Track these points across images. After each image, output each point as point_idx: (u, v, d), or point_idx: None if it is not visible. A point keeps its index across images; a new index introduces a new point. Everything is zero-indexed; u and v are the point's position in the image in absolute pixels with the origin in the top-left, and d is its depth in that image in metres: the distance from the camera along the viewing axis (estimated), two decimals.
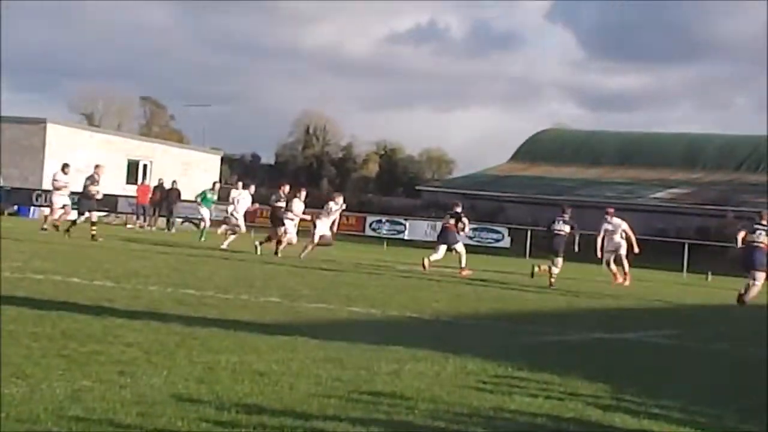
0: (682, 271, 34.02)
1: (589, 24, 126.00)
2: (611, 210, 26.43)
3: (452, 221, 24.48)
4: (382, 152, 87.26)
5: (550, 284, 20.73)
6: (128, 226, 40.33)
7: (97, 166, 26.93)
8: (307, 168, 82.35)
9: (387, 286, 17.20)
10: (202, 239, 29.78)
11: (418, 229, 42.20)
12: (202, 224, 32.37)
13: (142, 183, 44.58)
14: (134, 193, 42.30)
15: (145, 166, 49.29)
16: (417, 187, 66.49)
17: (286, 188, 26.02)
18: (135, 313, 9.91)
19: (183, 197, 40.61)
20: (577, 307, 16.30)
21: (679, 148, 62.17)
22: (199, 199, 33.17)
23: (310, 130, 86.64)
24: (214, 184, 34.59)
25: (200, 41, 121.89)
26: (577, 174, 60.84)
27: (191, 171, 50.93)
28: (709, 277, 31.78)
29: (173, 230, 38.36)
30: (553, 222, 22.20)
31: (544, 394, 7.00)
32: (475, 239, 41.11)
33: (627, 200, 51.47)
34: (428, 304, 13.99)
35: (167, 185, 40.98)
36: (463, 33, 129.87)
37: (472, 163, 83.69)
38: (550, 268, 21.46)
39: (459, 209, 25.06)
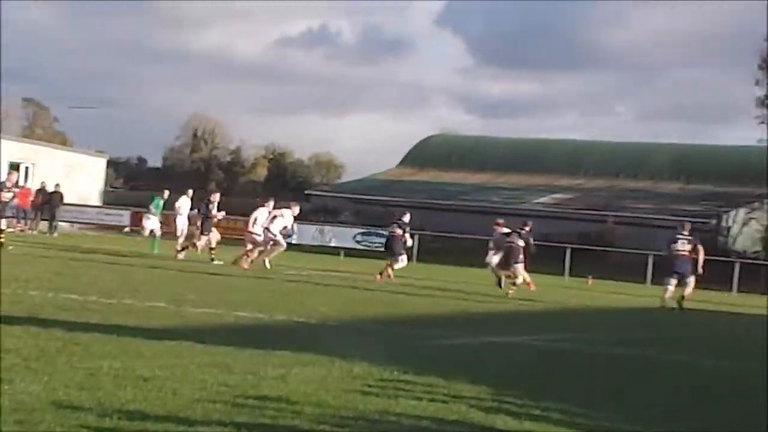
0: (563, 274, 34.70)
1: (478, 31, 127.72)
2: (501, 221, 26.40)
3: (399, 231, 24.79)
4: (271, 156, 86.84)
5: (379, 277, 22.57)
6: (9, 229, 39.25)
7: (10, 172, 26.28)
8: (194, 172, 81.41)
9: (275, 290, 17.13)
10: (155, 251, 28.78)
11: (307, 233, 42.14)
12: (153, 233, 30.74)
13: (24, 186, 43.48)
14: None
15: (27, 168, 48.07)
16: (306, 192, 66.40)
17: (216, 196, 25.91)
18: (14, 318, 9.66)
19: (66, 200, 39.71)
20: (464, 311, 16.49)
21: (563, 154, 63.45)
22: (152, 207, 31.30)
23: (198, 134, 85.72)
24: (164, 189, 32.31)
25: (85, 42, 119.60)
26: (464, 179, 61.55)
27: (75, 174, 49.85)
28: (590, 280, 32.52)
29: (55, 234, 37.51)
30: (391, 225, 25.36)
31: (429, 396, 7.06)
32: (363, 243, 41.30)
33: (512, 205, 52.31)
34: (316, 309, 13.98)
35: (50, 188, 40.04)
36: (355, 38, 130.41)
37: (361, 168, 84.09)
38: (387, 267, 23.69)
39: (407, 219, 25.48)
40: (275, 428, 5.69)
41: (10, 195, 24.97)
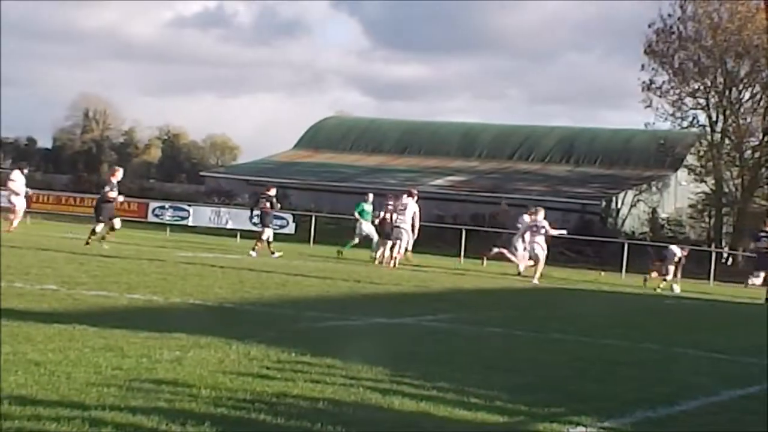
0: (459, 256, 35.08)
1: (374, 15, 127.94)
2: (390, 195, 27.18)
3: (268, 204, 26.77)
4: (165, 137, 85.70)
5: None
6: None
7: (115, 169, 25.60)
8: (86, 152, 79.87)
9: (169, 273, 16.95)
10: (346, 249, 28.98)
11: (202, 215, 41.76)
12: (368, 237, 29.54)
13: None
14: None
15: None
16: (201, 173, 65.70)
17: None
18: None
19: None
20: (359, 293, 16.56)
21: (456, 137, 64.01)
22: (356, 213, 30.15)
23: (90, 114, 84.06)
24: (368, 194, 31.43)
25: None
26: (359, 161, 61.67)
27: None
28: (484, 262, 32.92)
29: None
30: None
31: (326, 379, 7.10)
32: (259, 225, 41.04)
33: (407, 187, 52.56)
34: (211, 291, 13.89)
35: None
36: (250, 19, 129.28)
37: (257, 149, 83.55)
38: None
39: (272, 192, 26.34)
40: (171, 412, 5.65)
41: (114, 194, 24.17)
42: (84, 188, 48.84)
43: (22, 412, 5.34)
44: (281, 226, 41.07)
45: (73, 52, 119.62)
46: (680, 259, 26.24)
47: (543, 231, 24.66)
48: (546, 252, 24.66)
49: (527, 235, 25.06)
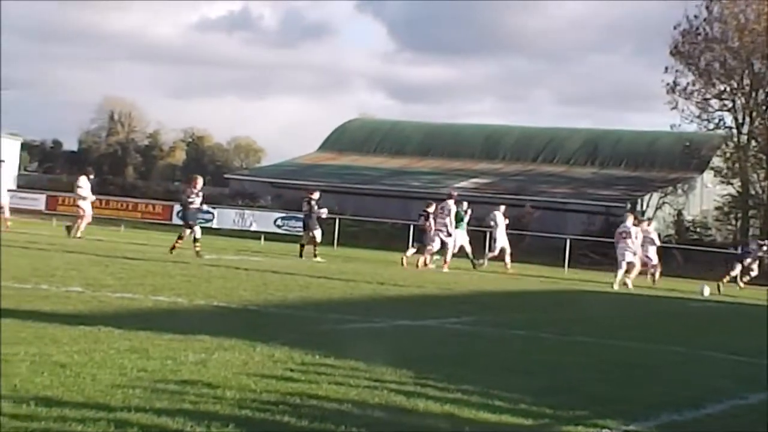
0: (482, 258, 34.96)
1: (398, 16, 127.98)
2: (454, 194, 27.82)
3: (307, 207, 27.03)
4: (190, 140, 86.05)
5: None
6: None
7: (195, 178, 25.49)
8: (111, 155, 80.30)
9: (194, 275, 17.00)
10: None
11: (227, 217, 41.92)
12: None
13: None
14: None
15: None
16: (225, 176, 65.91)
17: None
18: None
19: None
20: (382, 295, 16.56)
21: (480, 139, 63.90)
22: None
23: (115, 117, 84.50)
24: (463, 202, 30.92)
25: None
26: (382, 164, 61.69)
27: None
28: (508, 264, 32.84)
29: None
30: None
31: (350, 381, 7.10)
32: (284, 228, 41.18)
33: (431, 189, 52.59)
34: (235, 293, 13.92)
35: None
36: (276, 22, 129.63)
37: (281, 152, 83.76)
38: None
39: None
40: (195, 413, 5.67)
41: (199, 200, 24.03)
42: (109, 191, 49.07)
43: (49, 414, 5.37)
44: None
45: (99, 55, 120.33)
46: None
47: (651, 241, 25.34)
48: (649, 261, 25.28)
49: (634, 243, 25.25)
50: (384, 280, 19.93)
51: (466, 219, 29.21)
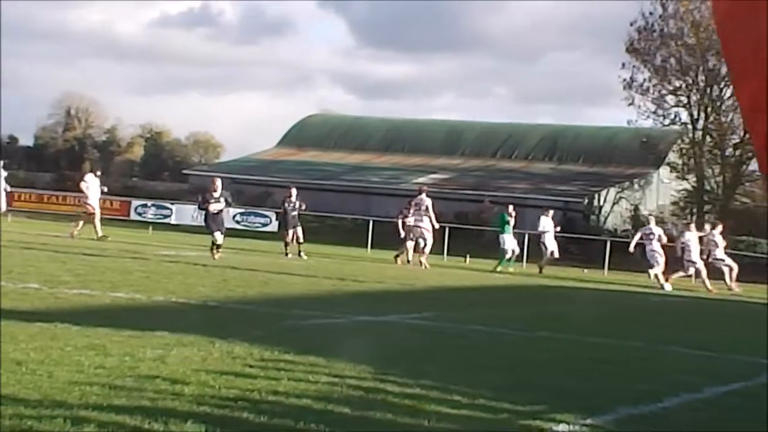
0: (442, 254, 35.09)
1: (360, 14, 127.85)
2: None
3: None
4: (148, 135, 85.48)
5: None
6: None
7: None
8: (68, 151, 79.57)
9: (153, 271, 16.90)
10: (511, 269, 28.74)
11: (185, 213, 41.69)
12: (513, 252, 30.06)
13: None
14: None
15: None
16: (183, 171, 65.53)
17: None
18: None
19: None
20: (343, 291, 16.56)
21: (440, 134, 64.00)
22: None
23: (72, 112, 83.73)
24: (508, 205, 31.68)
25: None
26: (343, 159, 61.61)
27: None
28: (467, 259, 32.99)
29: None
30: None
31: (310, 377, 7.09)
32: (242, 224, 41.04)
33: (391, 185, 52.64)
34: (195, 289, 13.86)
35: None
36: (236, 18, 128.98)
37: (241, 147, 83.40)
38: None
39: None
40: (154, 410, 5.63)
41: (221, 206, 23.05)
42: (66, 187, 48.60)
43: (4, 412, 5.31)
44: (263, 224, 41.13)
45: (58, 51, 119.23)
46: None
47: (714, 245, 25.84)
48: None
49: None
50: (345, 275, 19.94)
51: (512, 222, 29.53)
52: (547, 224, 30.18)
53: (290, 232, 26.87)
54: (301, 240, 26.76)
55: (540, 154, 59.73)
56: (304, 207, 27.48)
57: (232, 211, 42.81)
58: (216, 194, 23.00)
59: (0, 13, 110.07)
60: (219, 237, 22.48)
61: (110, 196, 33.15)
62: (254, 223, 40.69)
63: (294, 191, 27.68)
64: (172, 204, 42.82)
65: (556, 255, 29.85)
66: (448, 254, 34.56)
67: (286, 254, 26.19)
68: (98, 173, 29.82)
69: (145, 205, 42.18)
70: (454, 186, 53.35)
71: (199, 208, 23.75)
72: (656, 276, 25.65)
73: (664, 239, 26.57)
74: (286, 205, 27.38)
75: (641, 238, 27.10)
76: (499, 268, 28.17)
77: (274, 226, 39.79)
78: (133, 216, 41.52)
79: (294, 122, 70.10)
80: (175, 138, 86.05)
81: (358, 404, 6.33)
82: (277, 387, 6.63)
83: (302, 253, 26.09)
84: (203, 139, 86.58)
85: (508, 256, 29.16)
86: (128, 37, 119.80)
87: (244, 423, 5.61)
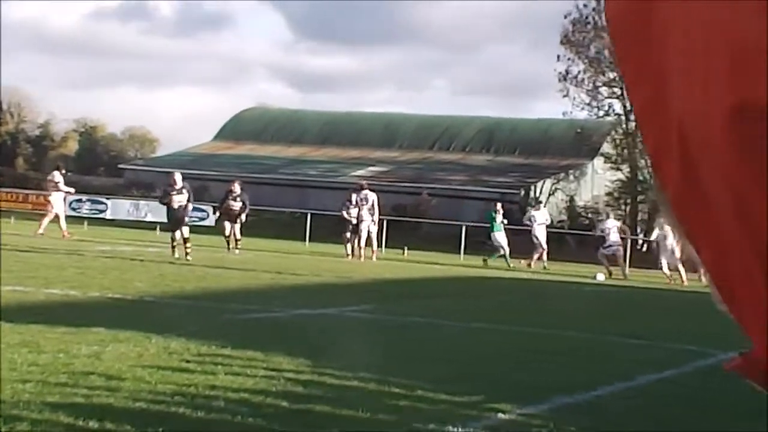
0: (381, 246, 35.14)
1: (298, 5, 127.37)
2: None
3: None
4: (82, 130, 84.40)
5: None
6: None
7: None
8: (1, 146, 78.25)
9: (88, 267, 16.71)
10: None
11: (121, 208, 41.27)
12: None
13: None
14: None
15: None
16: (119, 166, 64.84)
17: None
18: None
19: None
20: (280, 285, 16.52)
21: (378, 127, 64.07)
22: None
23: (4, 107, 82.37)
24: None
25: None
26: (280, 153, 61.42)
27: None
28: (405, 252, 33.09)
29: None
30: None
31: (248, 371, 7.08)
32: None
33: (329, 178, 52.61)
34: (131, 284, 13.73)
35: None
36: (173, 12, 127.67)
37: (177, 141, 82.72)
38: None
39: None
40: (89, 407, 5.58)
41: (183, 198, 22.05)
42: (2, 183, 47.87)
43: None
44: (201, 219, 40.80)
45: None
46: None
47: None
48: None
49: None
50: (282, 269, 19.89)
51: (499, 218, 29.64)
52: (540, 217, 30.24)
53: (229, 226, 26.52)
54: (239, 236, 26.30)
55: (477, 146, 60.11)
56: (246, 203, 26.84)
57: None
58: (177, 186, 22.28)
59: (0, 15, 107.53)
60: (186, 231, 21.69)
61: (44, 191, 32.72)
62: (192, 217, 40.31)
63: (237, 185, 27.14)
64: (107, 199, 42.34)
65: (545, 248, 29.87)
66: (386, 247, 34.59)
67: (228, 249, 25.79)
68: (63, 171, 29.67)
69: (79, 200, 41.62)
70: (392, 178, 53.47)
71: (161, 202, 23.12)
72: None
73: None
74: (229, 199, 26.76)
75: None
76: (490, 262, 28.92)
77: (211, 220, 39.52)
78: (68, 211, 40.94)
79: (229, 116, 69.72)
80: (111, 132, 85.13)
81: (297, 398, 6.33)
82: (213, 381, 6.60)
83: (238, 249, 25.73)
84: (139, 134, 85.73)
85: (501, 252, 29.27)
86: (62, 30, 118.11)
87: (180, 418, 5.58)
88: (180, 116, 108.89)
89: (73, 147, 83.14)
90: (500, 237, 29.41)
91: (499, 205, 30.61)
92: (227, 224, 26.45)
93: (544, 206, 35.53)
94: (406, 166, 57.24)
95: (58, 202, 28.19)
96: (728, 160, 1.47)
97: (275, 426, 5.58)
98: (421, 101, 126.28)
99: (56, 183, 28.19)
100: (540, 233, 29.75)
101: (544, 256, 29.67)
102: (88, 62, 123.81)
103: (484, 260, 29.38)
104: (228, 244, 26.23)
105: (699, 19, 1.50)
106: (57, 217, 27.77)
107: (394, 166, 57.03)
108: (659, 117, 1.60)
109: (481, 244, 37.40)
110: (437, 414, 6.25)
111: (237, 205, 26.24)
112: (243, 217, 26.27)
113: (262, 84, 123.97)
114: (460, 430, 5.67)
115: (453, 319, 12.33)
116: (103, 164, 75.97)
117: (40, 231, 26.77)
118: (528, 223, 30.30)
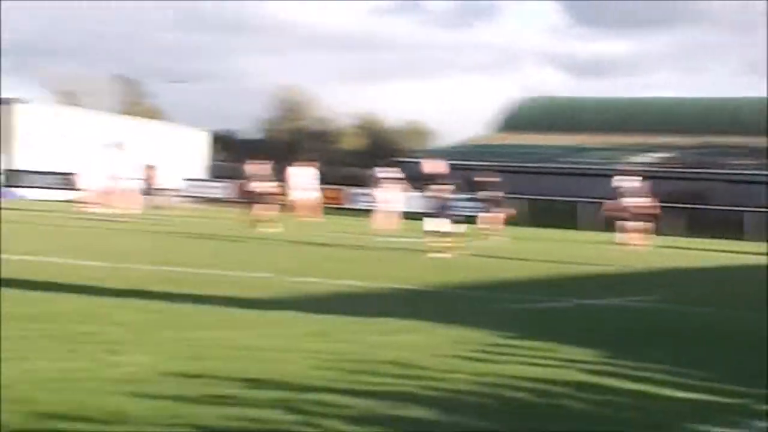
0: (661, 233, 34.06)
1: None
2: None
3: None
4: (362, 125, 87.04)
5: None
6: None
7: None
8: (289, 143, 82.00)
9: (371, 259, 17.05)
10: None
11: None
12: None
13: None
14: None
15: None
16: (397, 159, 66.32)
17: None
18: (122, 291, 9.78)
19: (168, 176, 40.52)
20: (560, 275, 16.24)
21: (656, 113, 62.19)
22: None
23: (290, 105, 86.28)
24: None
25: (172, 19, 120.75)
26: (558, 141, 60.75)
27: (176, 148, 50.77)
28: (686, 238, 31.89)
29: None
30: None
31: (535, 361, 6.98)
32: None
33: (608, 166, 51.51)
34: (414, 276, 13.95)
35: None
36: (445, 6, 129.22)
37: (453, 133, 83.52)
38: None
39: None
40: (387, 394, 5.64)
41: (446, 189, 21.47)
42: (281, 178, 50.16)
43: (249, 395, 5.45)
44: (473, 209, 41.07)
45: (271, 44, 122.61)
46: None
47: None
48: None
49: None
50: (561, 259, 19.54)
51: None
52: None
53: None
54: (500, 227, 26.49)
55: (762, 128, 57.02)
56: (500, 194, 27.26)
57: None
58: (442, 179, 22.33)
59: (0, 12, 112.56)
60: (447, 224, 21.67)
61: (328, 185, 34.02)
62: (463, 209, 40.70)
63: (490, 177, 27.59)
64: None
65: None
66: (665, 234, 33.41)
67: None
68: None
69: (362, 194, 42.93)
70: (674, 164, 51.89)
71: (426, 195, 23.31)
72: None
73: None
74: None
75: None
76: None
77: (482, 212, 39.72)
78: (350, 204, 42.48)
79: (505, 106, 69.75)
80: (389, 126, 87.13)
81: (589, 387, 6.18)
82: (504, 372, 6.52)
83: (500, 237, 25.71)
84: (415, 126, 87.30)
85: None
86: (342, 28, 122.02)
87: (472, 408, 5.56)
88: (452, 108, 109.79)
89: (353, 141, 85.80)
90: None
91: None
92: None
93: None
94: (688, 151, 55.21)
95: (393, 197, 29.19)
96: None
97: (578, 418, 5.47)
98: (699, 84, 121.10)
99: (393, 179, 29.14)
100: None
101: None
102: (364, 57, 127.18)
103: None
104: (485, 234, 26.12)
105: None
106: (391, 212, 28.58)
107: (677, 152, 55.17)
108: None
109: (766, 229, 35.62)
110: (736, 407, 5.93)
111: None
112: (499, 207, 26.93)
113: (535, 72, 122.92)
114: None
115: (746, 309, 11.71)
116: (383, 157, 77.99)
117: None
118: None
